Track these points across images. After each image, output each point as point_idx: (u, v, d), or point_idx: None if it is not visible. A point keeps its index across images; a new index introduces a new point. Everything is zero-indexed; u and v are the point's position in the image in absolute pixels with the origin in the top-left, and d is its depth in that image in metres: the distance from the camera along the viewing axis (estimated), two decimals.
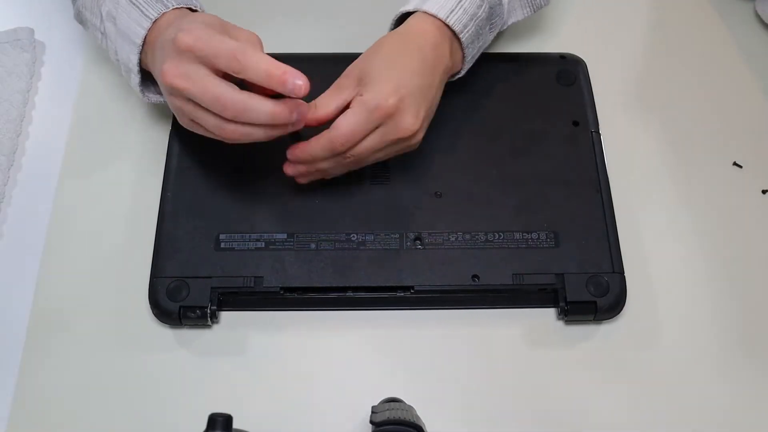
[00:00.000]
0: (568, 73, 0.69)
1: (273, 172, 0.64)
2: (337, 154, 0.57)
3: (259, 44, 0.56)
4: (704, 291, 0.63)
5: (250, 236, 0.61)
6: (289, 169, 0.60)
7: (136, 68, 0.60)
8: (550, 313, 0.62)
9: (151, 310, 0.60)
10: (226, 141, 0.55)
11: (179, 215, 0.62)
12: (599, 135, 0.66)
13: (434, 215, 0.62)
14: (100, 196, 0.66)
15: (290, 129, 0.55)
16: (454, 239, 0.61)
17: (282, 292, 0.60)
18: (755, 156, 0.69)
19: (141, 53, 0.60)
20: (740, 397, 0.59)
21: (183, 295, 0.59)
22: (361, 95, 0.57)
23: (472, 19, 0.62)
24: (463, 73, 0.65)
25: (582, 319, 0.61)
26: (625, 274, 0.60)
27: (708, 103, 0.72)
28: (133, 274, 0.62)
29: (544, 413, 0.58)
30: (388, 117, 0.57)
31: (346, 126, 0.56)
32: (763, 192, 0.67)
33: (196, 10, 0.61)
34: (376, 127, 0.57)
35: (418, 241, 0.61)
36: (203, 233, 0.61)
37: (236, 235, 0.61)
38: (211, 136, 0.56)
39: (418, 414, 0.54)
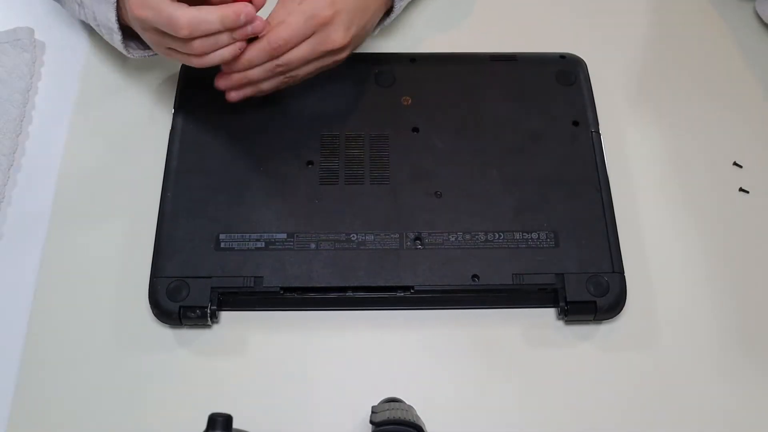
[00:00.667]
0: (568, 73, 0.69)
1: (273, 173, 0.64)
2: (272, 59, 0.60)
3: None
4: (704, 291, 0.63)
5: (250, 236, 0.61)
6: (221, 82, 0.63)
7: (116, 26, 0.62)
8: (550, 313, 0.62)
9: (151, 310, 0.60)
10: (201, 63, 0.59)
11: (179, 215, 0.62)
12: (599, 135, 0.66)
13: (434, 215, 0.62)
14: (100, 196, 0.66)
15: (249, 32, 0.58)
16: (454, 239, 0.61)
17: (282, 292, 0.60)
18: (755, 156, 0.69)
19: (117, 9, 0.62)
20: (740, 397, 0.59)
21: (183, 295, 0.59)
22: (299, 4, 0.60)
23: None
24: (395, 13, 0.68)
25: (582, 319, 0.61)
26: (625, 274, 0.60)
27: (708, 103, 0.72)
28: (133, 274, 0.62)
29: (544, 413, 0.58)
30: (321, 26, 0.60)
31: (283, 30, 0.59)
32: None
33: None
34: (309, 37, 0.60)
35: (418, 241, 0.61)
36: (203, 233, 0.61)
37: (236, 235, 0.61)
38: (188, 62, 0.60)
39: (418, 414, 0.54)
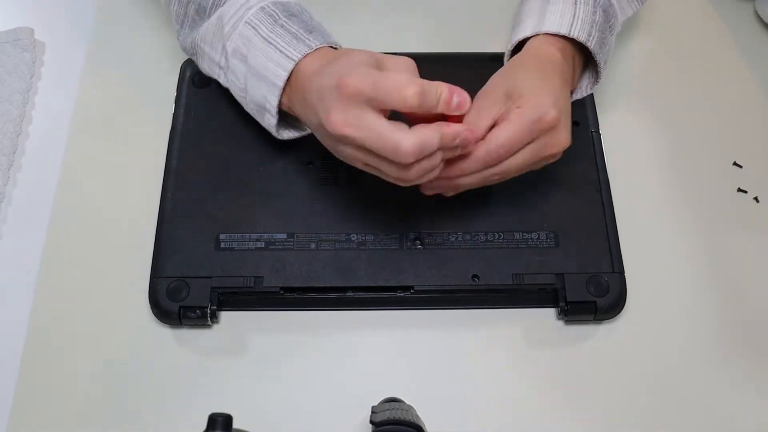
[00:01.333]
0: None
1: (273, 173, 0.64)
2: (488, 167, 0.56)
3: (414, 68, 0.53)
4: (704, 291, 0.63)
5: (250, 236, 0.61)
6: (428, 191, 0.58)
7: (274, 110, 0.58)
8: (550, 313, 0.62)
9: (151, 310, 0.60)
10: (407, 184, 0.53)
11: (179, 215, 0.62)
12: (599, 135, 0.66)
13: (434, 215, 0.62)
14: (100, 196, 0.66)
15: (458, 152, 0.53)
16: (454, 239, 0.61)
17: (282, 292, 0.60)
18: (755, 156, 0.69)
19: (281, 95, 0.57)
20: (740, 396, 0.59)
21: (183, 295, 0.59)
22: (518, 107, 0.55)
23: (593, 26, 0.61)
24: (596, 85, 0.65)
25: (582, 319, 0.61)
26: (625, 274, 0.61)
27: (708, 103, 0.72)
28: (133, 274, 0.62)
29: (544, 413, 0.58)
30: (546, 130, 0.55)
31: (505, 137, 0.54)
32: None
33: (336, 49, 0.59)
34: (531, 142, 0.55)
35: (418, 241, 0.61)
36: (203, 233, 0.61)
37: (236, 235, 0.61)
38: (389, 180, 0.54)
39: (418, 414, 0.54)
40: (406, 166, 0.51)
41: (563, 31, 0.60)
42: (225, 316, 0.61)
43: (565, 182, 0.64)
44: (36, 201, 0.66)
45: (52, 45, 0.74)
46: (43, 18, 0.75)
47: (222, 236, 0.61)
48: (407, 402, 0.55)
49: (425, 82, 0.50)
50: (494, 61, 0.70)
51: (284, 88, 0.57)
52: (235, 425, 0.45)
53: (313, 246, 0.61)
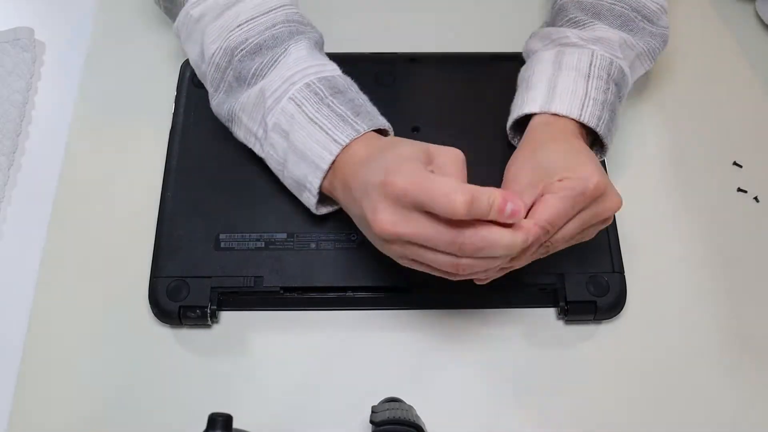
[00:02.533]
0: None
1: (273, 173, 0.64)
2: (535, 245, 0.52)
3: (463, 162, 0.52)
4: (704, 291, 0.63)
5: (250, 236, 0.61)
6: (462, 272, 0.52)
7: (315, 190, 0.56)
8: (550, 313, 0.62)
9: (151, 310, 0.60)
10: (455, 276, 0.51)
11: (179, 215, 0.62)
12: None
13: None
14: (100, 196, 0.66)
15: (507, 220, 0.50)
16: None
17: (282, 291, 0.60)
18: (755, 156, 0.69)
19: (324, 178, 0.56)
20: (740, 396, 0.59)
21: (183, 295, 0.59)
22: (560, 181, 0.52)
23: (604, 106, 0.59)
24: (603, 157, 0.62)
25: (582, 318, 0.61)
26: (625, 274, 0.60)
27: (708, 103, 0.72)
28: (133, 274, 0.62)
29: (544, 413, 0.58)
30: (595, 198, 0.52)
31: (551, 213, 0.51)
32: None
33: (386, 132, 0.58)
34: (578, 212, 0.53)
35: None
36: (203, 233, 0.61)
37: (236, 234, 0.61)
38: (438, 274, 0.52)
39: (418, 414, 0.54)
40: (458, 256, 0.48)
41: (573, 115, 0.58)
42: (225, 316, 0.61)
43: None
44: (36, 201, 0.66)
45: (52, 45, 0.74)
46: (43, 18, 0.75)
47: (222, 236, 0.61)
48: (407, 402, 0.55)
49: (476, 188, 0.47)
50: (494, 61, 0.70)
51: (327, 172, 0.55)
52: (235, 425, 0.45)
53: (313, 246, 0.61)
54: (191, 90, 0.67)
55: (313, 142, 0.55)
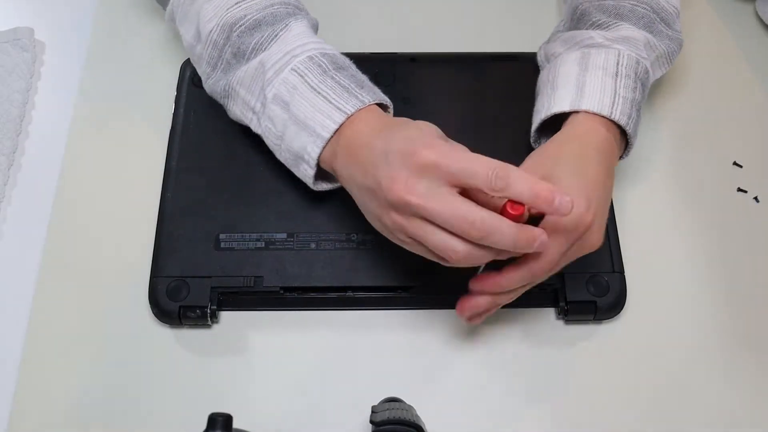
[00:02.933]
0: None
1: (273, 173, 0.64)
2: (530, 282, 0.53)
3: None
4: (704, 291, 0.63)
5: (250, 236, 0.61)
6: (466, 309, 0.54)
7: (313, 161, 0.56)
8: (550, 313, 0.62)
9: (151, 310, 0.60)
10: (449, 264, 0.51)
11: (179, 215, 0.62)
12: None
13: None
14: (100, 196, 0.66)
15: (517, 254, 0.51)
16: None
17: (282, 291, 0.60)
18: (755, 156, 0.69)
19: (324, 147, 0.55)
20: (741, 397, 0.59)
21: (183, 295, 0.59)
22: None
23: (633, 105, 0.59)
24: (625, 157, 0.61)
25: (582, 318, 0.61)
26: (625, 274, 0.60)
27: (708, 103, 0.72)
28: (133, 274, 0.62)
29: (544, 413, 0.58)
30: (581, 234, 0.53)
31: (551, 254, 0.52)
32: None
33: (388, 108, 0.58)
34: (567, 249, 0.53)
35: None
36: (203, 233, 0.61)
37: (236, 234, 0.61)
38: (428, 256, 0.52)
39: (418, 414, 0.54)
40: (460, 241, 0.48)
41: (605, 112, 0.57)
42: (225, 316, 0.61)
43: None
44: (36, 201, 0.66)
45: (52, 45, 0.74)
46: (43, 18, 0.75)
47: (222, 236, 0.61)
48: (407, 402, 0.55)
49: (520, 171, 0.48)
50: (494, 61, 0.70)
51: (328, 141, 0.55)
52: (235, 425, 0.45)
53: (313, 246, 0.61)
54: (191, 90, 0.67)
55: (316, 111, 0.55)
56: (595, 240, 0.54)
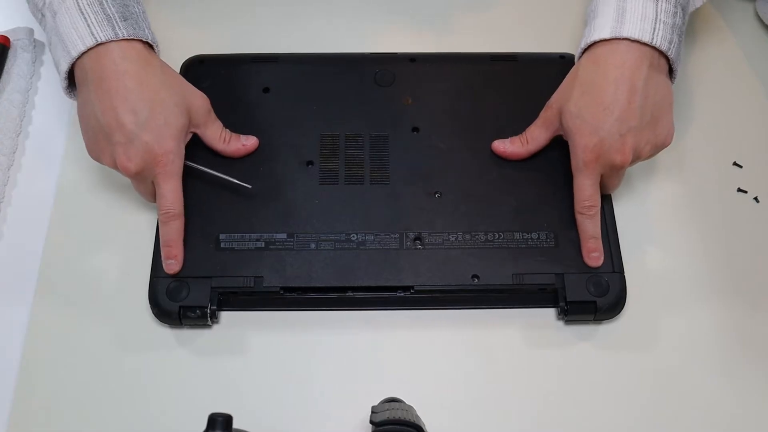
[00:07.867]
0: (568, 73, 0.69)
1: (273, 172, 0.64)
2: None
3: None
4: (704, 291, 0.63)
5: (250, 236, 0.61)
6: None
7: (64, 74, 0.59)
8: (550, 313, 0.62)
9: (151, 310, 0.60)
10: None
11: None
12: None
13: (434, 215, 0.62)
14: (100, 196, 0.66)
15: None
16: (454, 239, 0.61)
17: (282, 292, 0.60)
18: (755, 156, 0.69)
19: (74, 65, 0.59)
20: (740, 397, 0.59)
21: (183, 295, 0.59)
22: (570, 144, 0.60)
23: (674, 30, 0.59)
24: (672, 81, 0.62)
25: (582, 319, 0.61)
26: (625, 274, 0.61)
27: (708, 103, 0.72)
28: (133, 274, 0.62)
29: (544, 413, 0.58)
30: (596, 160, 0.59)
31: (586, 191, 0.60)
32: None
33: (152, 47, 0.60)
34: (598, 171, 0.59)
35: (418, 241, 0.61)
36: (203, 233, 0.61)
37: (236, 235, 0.61)
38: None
39: (418, 414, 0.54)
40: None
41: (645, 39, 0.57)
42: (225, 316, 0.61)
43: (565, 182, 0.63)
44: (36, 201, 0.66)
45: None
46: None
47: (222, 236, 0.61)
48: (407, 402, 0.55)
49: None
50: (494, 61, 0.70)
51: (79, 60, 0.58)
52: (235, 425, 0.45)
53: (313, 246, 0.61)
54: None
55: (72, 29, 0.58)
56: (618, 161, 0.59)
